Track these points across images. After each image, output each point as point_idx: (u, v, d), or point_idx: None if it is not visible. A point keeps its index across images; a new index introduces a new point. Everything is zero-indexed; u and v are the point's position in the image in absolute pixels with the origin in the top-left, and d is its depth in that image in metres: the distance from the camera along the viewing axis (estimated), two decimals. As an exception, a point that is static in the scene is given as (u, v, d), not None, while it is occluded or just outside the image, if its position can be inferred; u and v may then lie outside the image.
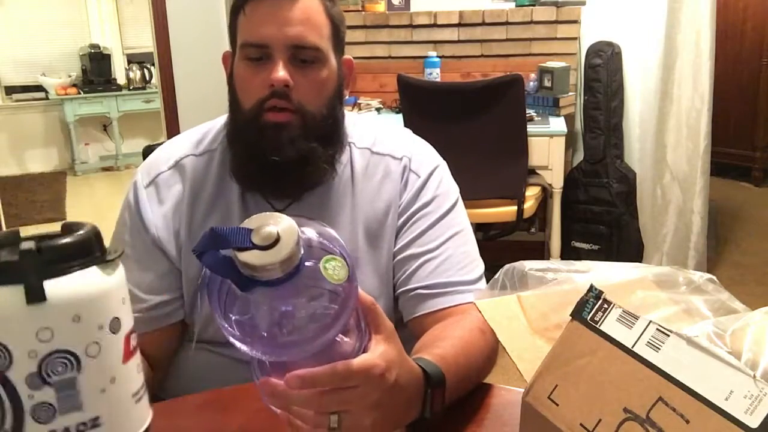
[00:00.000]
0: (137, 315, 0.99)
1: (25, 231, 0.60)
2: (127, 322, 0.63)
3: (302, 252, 0.59)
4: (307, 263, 0.59)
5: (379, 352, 0.65)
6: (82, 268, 0.58)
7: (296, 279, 0.59)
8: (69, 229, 0.62)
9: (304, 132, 0.95)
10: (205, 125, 1.09)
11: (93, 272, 0.59)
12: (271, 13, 0.93)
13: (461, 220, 1.05)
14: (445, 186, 1.05)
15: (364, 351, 0.65)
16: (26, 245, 0.56)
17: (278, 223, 0.59)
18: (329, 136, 0.98)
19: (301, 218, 0.62)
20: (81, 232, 0.60)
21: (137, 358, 0.64)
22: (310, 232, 0.62)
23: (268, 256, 0.57)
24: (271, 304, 0.59)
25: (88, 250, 0.60)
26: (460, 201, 1.07)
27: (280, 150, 0.94)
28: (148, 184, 1.03)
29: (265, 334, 0.59)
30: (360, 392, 0.63)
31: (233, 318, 0.60)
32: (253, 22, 0.94)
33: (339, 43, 0.99)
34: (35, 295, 0.55)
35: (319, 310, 0.60)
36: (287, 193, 1.00)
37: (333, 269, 0.60)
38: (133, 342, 0.63)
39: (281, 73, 0.92)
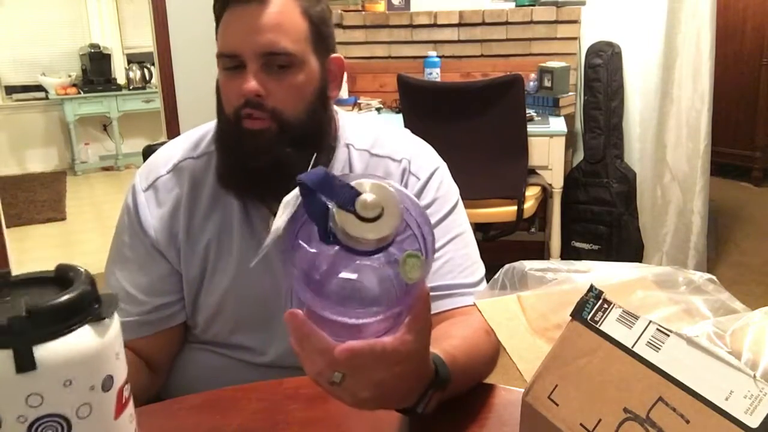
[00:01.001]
0: (138, 318, 0.99)
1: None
2: (121, 376, 0.59)
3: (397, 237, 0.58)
4: (391, 249, 0.59)
5: (407, 339, 0.64)
6: (75, 329, 0.55)
7: (375, 257, 0.58)
8: (63, 274, 0.59)
9: (281, 138, 0.94)
10: (202, 127, 1.09)
11: (86, 332, 0.56)
12: (241, 21, 0.92)
13: (462, 222, 1.04)
14: (445, 188, 1.04)
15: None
16: (16, 310, 0.53)
17: (386, 200, 0.58)
18: (310, 139, 0.97)
19: (403, 193, 0.61)
20: (75, 288, 0.56)
21: (131, 407, 0.61)
22: (412, 209, 0.60)
23: (365, 230, 0.57)
24: (341, 265, 0.59)
25: (82, 308, 0.56)
26: (461, 203, 1.06)
27: (258, 157, 0.94)
28: (147, 188, 1.03)
29: (321, 282, 0.59)
30: (372, 367, 0.63)
31: (301, 247, 0.60)
32: (226, 32, 0.94)
33: (321, 43, 0.97)
34: (25, 364, 0.52)
35: (381, 292, 0.60)
36: (272, 197, 0.99)
37: (411, 266, 0.59)
38: (126, 393, 0.60)
39: (252, 83, 0.92)
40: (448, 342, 0.83)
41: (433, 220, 1.01)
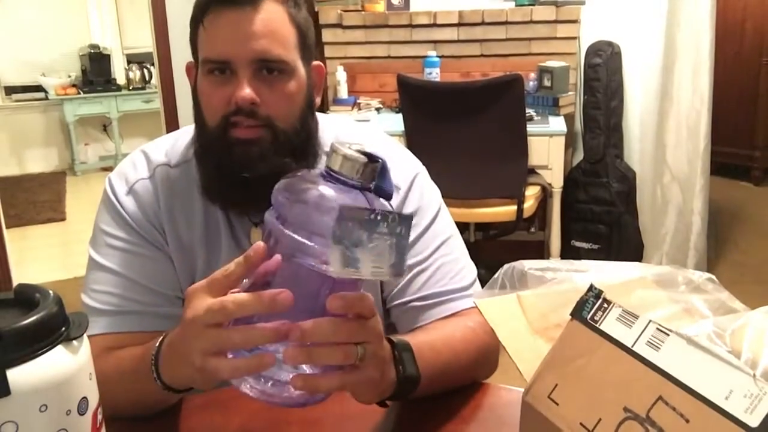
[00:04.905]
0: (159, 309, 0.96)
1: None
2: (95, 397, 0.57)
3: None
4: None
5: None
6: (47, 350, 0.52)
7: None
8: (25, 295, 0.56)
9: (276, 147, 0.91)
10: (174, 134, 1.05)
11: (59, 353, 0.53)
12: (231, 26, 0.88)
13: (446, 225, 1.02)
14: (427, 196, 1.02)
15: None
16: None
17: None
18: (302, 148, 0.95)
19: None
20: (44, 308, 0.53)
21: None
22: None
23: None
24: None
25: (53, 328, 0.53)
26: (443, 206, 1.04)
27: (251, 166, 0.90)
28: (128, 192, 1.00)
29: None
30: (374, 323, 0.67)
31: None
32: (214, 37, 0.90)
33: (307, 51, 0.95)
34: None
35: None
36: (256, 208, 0.97)
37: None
38: (99, 416, 0.58)
39: (246, 91, 0.88)
40: (417, 334, 0.88)
41: (418, 230, 0.99)
